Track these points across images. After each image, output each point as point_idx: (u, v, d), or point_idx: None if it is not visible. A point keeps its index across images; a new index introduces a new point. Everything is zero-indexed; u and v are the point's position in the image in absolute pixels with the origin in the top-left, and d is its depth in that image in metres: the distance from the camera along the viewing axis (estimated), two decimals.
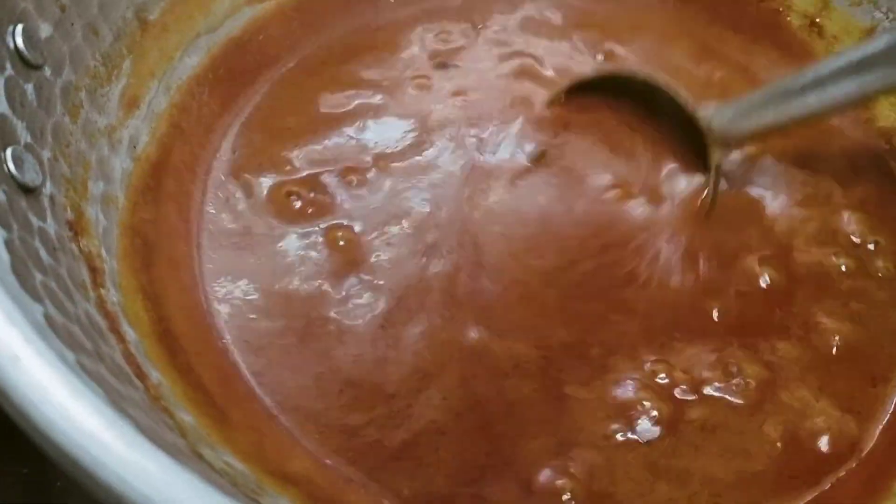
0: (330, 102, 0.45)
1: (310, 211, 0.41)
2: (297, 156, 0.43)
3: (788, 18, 0.49)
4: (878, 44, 0.37)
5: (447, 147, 0.43)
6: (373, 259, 0.39)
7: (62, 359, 0.24)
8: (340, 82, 0.46)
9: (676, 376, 0.36)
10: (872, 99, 0.44)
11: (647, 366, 0.36)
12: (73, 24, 0.37)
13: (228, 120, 0.44)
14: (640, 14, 0.50)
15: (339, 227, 0.40)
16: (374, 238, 0.40)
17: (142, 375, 0.32)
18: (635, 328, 0.38)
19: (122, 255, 0.37)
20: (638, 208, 0.41)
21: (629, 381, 0.36)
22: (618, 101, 0.44)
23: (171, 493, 0.22)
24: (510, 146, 0.43)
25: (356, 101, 0.45)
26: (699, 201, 0.41)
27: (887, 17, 0.46)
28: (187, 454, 0.28)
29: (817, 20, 0.48)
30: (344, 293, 0.38)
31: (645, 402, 0.36)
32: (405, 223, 0.40)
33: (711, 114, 0.41)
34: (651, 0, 0.51)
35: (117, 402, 0.25)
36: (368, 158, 0.42)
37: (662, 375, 0.36)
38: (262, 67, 0.46)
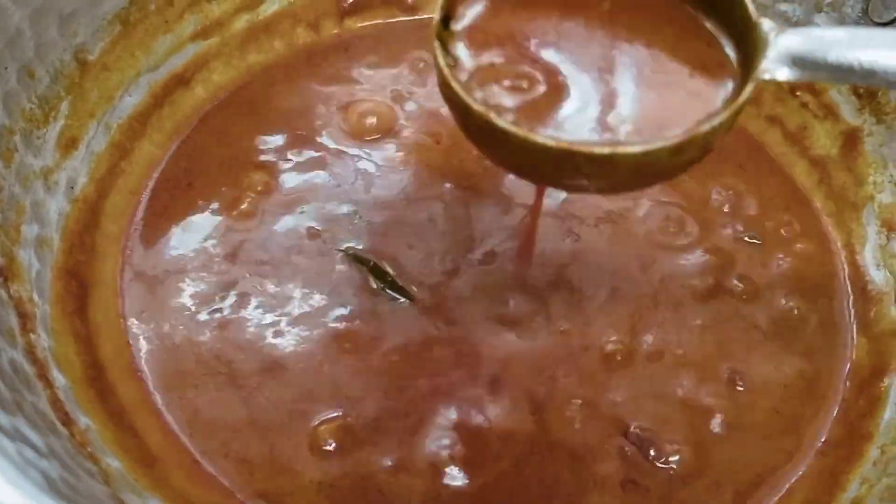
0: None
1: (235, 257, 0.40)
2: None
3: None
4: None
5: None
6: (292, 316, 0.39)
7: None
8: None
9: None
10: None
11: None
12: (6, 69, 0.38)
13: (167, 159, 0.44)
14: None
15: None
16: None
17: (68, 422, 0.32)
18: None
19: (55, 298, 0.37)
20: None
21: None
22: None
23: None
24: None
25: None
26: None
27: None
28: (107, 503, 0.29)
29: None
30: (267, 342, 0.38)
31: None
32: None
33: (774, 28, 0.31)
34: None
35: (27, 456, 0.25)
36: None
37: None
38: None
